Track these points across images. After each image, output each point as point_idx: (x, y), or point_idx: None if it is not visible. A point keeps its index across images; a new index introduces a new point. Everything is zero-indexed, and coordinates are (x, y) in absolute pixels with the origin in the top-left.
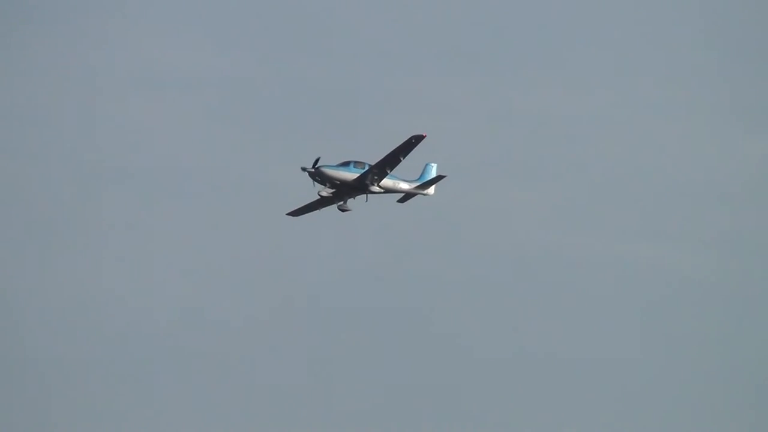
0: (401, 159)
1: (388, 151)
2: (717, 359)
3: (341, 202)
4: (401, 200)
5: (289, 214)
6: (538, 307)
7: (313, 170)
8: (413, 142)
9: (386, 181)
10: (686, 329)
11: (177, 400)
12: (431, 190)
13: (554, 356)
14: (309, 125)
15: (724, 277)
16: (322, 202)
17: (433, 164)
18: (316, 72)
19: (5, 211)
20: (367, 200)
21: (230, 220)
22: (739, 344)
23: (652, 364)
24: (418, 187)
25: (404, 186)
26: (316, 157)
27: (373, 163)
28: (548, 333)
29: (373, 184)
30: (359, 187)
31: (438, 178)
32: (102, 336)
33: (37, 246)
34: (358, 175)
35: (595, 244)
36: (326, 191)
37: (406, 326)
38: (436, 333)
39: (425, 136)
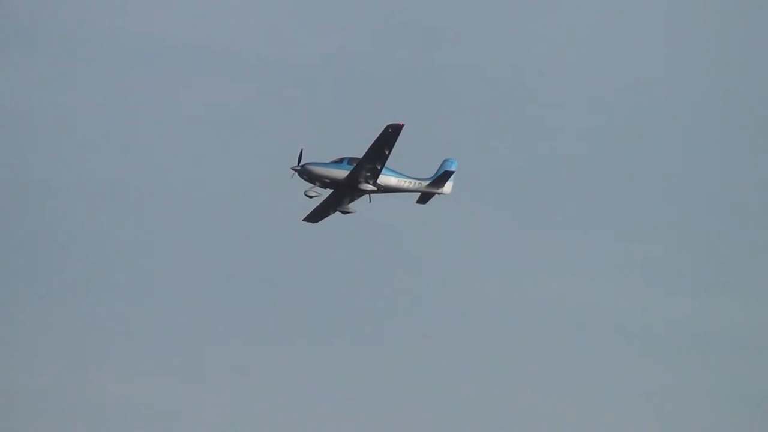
0: (387, 152)
1: (369, 145)
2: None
3: (341, 204)
4: (420, 201)
5: (305, 219)
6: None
7: (299, 168)
8: (390, 131)
9: (383, 179)
10: None
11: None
12: (447, 188)
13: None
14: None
15: None
16: (331, 204)
17: (452, 160)
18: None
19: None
20: (370, 201)
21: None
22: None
23: None
24: (429, 186)
25: (406, 184)
26: (299, 150)
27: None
28: None
29: (368, 182)
30: (353, 185)
31: (446, 175)
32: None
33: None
34: (348, 172)
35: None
36: (314, 191)
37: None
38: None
39: (402, 125)
